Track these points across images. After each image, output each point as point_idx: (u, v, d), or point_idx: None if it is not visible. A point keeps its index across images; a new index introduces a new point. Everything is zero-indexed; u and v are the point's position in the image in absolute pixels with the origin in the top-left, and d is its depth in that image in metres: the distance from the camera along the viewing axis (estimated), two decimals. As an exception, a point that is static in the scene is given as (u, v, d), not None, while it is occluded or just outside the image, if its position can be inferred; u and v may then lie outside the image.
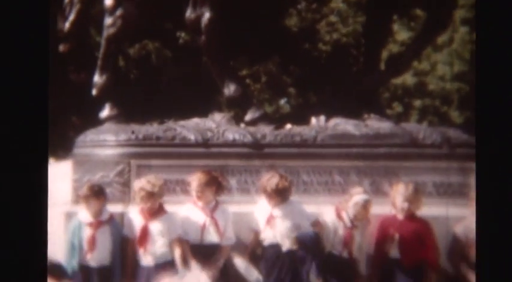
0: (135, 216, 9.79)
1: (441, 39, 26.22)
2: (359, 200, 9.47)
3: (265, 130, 10.65)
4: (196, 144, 10.51)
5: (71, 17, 13.43)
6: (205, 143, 10.53)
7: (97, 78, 12.21)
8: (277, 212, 9.57)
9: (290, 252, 9.46)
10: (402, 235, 9.52)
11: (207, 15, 11.55)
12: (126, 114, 11.87)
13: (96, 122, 11.81)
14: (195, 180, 9.68)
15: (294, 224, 9.52)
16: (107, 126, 11.43)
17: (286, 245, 9.45)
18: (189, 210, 9.68)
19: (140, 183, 9.69)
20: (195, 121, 11.15)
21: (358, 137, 10.51)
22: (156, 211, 9.65)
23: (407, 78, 29.39)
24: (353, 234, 9.57)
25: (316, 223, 9.47)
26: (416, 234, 9.55)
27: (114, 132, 10.85)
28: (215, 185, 9.70)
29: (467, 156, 10.26)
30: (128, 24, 11.99)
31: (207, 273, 9.12)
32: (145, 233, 9.67)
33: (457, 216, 9.71)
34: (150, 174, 10.02)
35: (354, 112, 11.32)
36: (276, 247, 9.56)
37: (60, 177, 10.73)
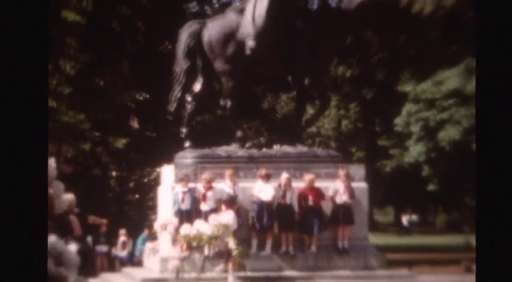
0: (200, 188, 19.44)
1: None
2: (284, 177, 19.61)
3: (255, 152, 20.95)
4: (225, 157, 20.56)
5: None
6: (229, 156, 20.60)
7: (183, 130, 21.21)
8: (262, 186, 19.61)
9: (265, 204, 19.54)
10: (310, 194, 19.71)
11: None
12: (195, 144, 21.11)
13: (182, 145, 21.38)
14: (229, 171, 19.60)
15: (268, 191, 19.57)
16: (187, 149, 20.95)
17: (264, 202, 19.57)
18: (225, 187, 19.41)
19: (206, 176, 19.45)
20: (224, 148, 21.11)
21: (294, 154, 20.94)
22: (209, 186, 19.35)
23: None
24: (286, 193, 19.54)
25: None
26: (316, 193, 19.75)
27: (190, 152, 20.65)
28: (235, 174, 19.80)
29: (338, 160, 21.01)
30: None
31: (231, 213, 18.89)
32: (204, 195, 19.31)
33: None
34: (206, 171, 19.71)
35: (292, 142, 21.46)
36: (260, 203, 19.54)
37: (169, 170, 20.61)
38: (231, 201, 19.26)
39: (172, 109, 21.19)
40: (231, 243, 18.34)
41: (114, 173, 38.75)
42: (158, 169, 25.50)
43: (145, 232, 26.91)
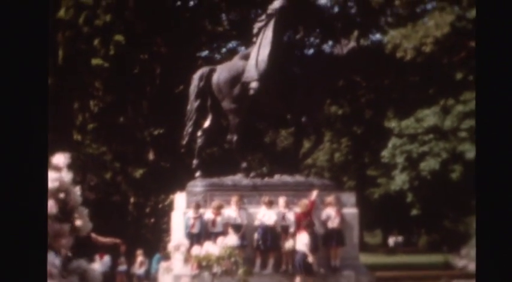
0: (209, 214, 19.66)
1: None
2: (282, 201, 19.91)
3: (258, 181, 21.12)
4: (232, 186, 20.71)
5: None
6: (235, 185, 20.78)
7: (194, 161, 21.43)
8: (266, 212, 19.84)
9: (268, 228, 19.73)
10: (306, 218, 19.72)
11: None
12: (205, 174, 21.28)
13: (194, 175, 21.50)
14: (235, 198, 19.85)
15: (271, 217, 19.82)
16: (198, 178, 21.11)
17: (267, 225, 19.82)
18: (232, 212, 19.67)
19: (215, 204, 19.68)
20: (231, 178, 21.21)
21: (292, 182, 21.03)
22: (217, 213, 19.55)
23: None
24: (286, 215, 19.83)
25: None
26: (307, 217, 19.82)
27: (201, 181, 20.85)
28: (240, 201, 20.04)
29: (331, 188, 21.02)
30: None
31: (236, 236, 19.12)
32: (214, 221, 19.46)
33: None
34: (215, 199, 19.94)
35: (290, 172, 21.57)
36: (265, 227, 19.75)
37: (182, 197, 20.76)
38: (237, 226, 19.58)
39: (184, 143, 21.62)
40: (237, 263, 18.29)
41: (132, 200, 38.73)
42: (172, 196, 25.46)
43: (161, 252, 26.82)
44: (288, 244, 19.75)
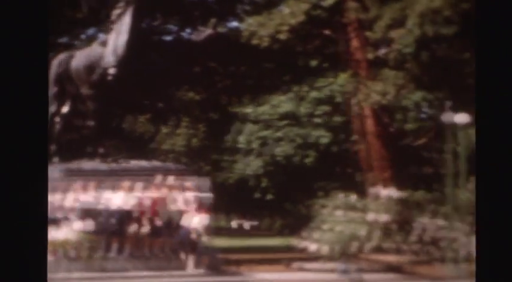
0: (66, 199, 20.08)
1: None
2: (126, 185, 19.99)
3: (115, 166, 21.31)
4: (89, 171, 20.83)
5: None
6: (93, 170, 20.90)
7: (52, 147, 21.23)
8: (121, 196, 19.95)
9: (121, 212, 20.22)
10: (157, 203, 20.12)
11: None
12: (62, 160, 21.32)
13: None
14: (91, 184, 19.98)
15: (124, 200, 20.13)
16: (56, 164, 20.80)
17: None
18: (88, 197, 19.94)
19: (73, 188, 19.81)
20: (88, 163, 21.33)
21: (149, 168, 21.24)
22: (76, 199, 20.06)
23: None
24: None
25: None
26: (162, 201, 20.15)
27: (59, 167, 20.55)
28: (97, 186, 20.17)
29: (188, 173, 21.26)
30: None
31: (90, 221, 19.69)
32: (71, 206, 20.05)
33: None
34: (73, 184, 19.84)
35: (147, 157, 21.85)
36: (121, 211, 20.10)
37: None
38: (93, 211, 19.57)
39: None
40: (93, 248, 18.54)
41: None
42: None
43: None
44: (145, 228, 19.88)
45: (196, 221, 20.21)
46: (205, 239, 20.52)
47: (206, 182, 21.65)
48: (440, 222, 23.10)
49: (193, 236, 20.11)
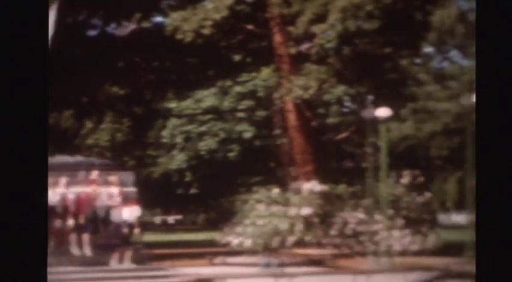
0: None
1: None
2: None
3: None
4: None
5: None
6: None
7: None
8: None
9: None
10: (84, 199, 20.18)
11: None
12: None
13: None
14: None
15: (52, 197, 20.02)
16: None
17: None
18: None
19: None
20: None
21: (72, 163, 21.11)
22: None
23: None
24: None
25: None
26: (89, 197, 20.23)
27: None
28: None
29: (112, 168, 21.26)
30: None
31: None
32: None
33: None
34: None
35: (70, 152, 21.76)
36: None
37: None
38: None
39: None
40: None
41: None
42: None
43: None
44: (69, 223, 19.70)
45: (126, 213, 20.08)
46: (136, 231, 20.36)
47: (130, 176, 21.60)
48: (361, 215, 23.59)
49: (125, 229, 19.99)
